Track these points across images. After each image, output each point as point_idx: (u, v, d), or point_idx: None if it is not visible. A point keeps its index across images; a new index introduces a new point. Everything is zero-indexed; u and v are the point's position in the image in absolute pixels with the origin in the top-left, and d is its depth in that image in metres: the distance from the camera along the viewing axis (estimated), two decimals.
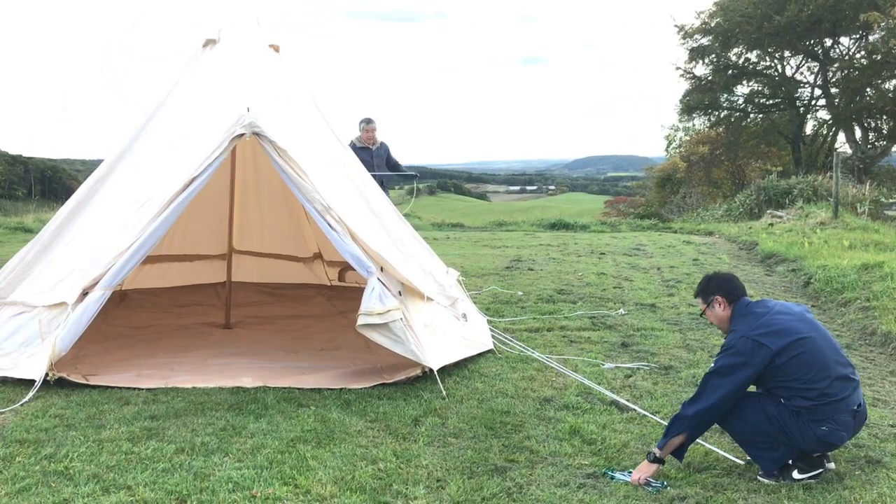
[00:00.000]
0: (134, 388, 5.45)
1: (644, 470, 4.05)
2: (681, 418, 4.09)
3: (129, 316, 7.83)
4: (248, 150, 7.59)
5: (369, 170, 9.62)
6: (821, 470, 4.08)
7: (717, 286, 4.39)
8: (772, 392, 4.12)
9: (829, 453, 4.21)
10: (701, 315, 4.55)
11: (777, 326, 4.07)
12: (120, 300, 8.19)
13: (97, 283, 5.57)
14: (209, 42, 6.87)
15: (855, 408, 4.08)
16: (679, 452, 4.15)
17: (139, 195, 5.98)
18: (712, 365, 4.14)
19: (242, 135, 5.79)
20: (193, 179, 5.75)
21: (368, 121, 10.28)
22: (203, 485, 3.90)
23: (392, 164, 10.50)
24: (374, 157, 10.15)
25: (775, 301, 4.42)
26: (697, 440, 4.32)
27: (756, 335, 4.03)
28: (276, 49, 7.16)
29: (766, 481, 4.03)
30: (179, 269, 8.97)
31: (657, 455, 4.08)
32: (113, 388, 5.45)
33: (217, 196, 7.92)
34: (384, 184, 9.86)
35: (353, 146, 9.64)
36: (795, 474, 4.04)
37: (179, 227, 8.08)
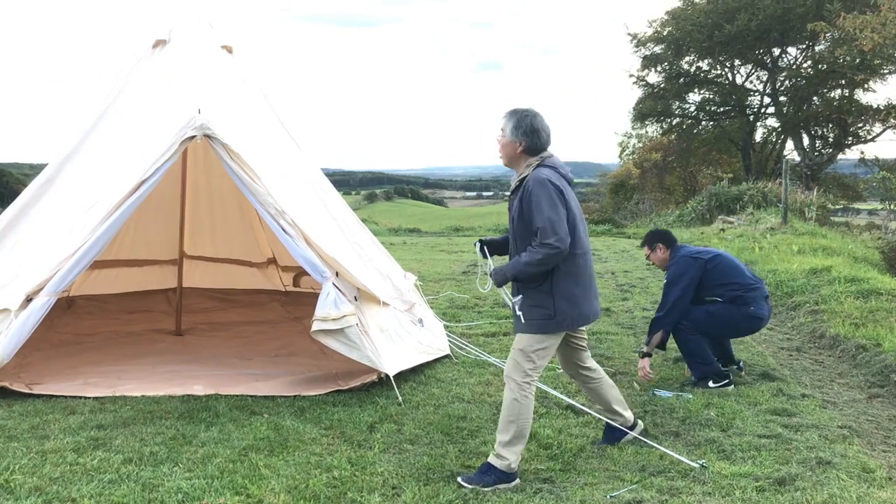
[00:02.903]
0: (80, 397, 5.30)
1: (643, 364, 5.83)
2: (656, 321, 5.90)
3: (76, 323, 7.63)
4: (199, 152, 7.46)
5: None
6: (729, 381, 5.78)
7: (659, 237, 6.22)
8: (713, 297, 5.92)
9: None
10: (647, 258, 6.32)
11: (701, 250, 6.14)
12: (67, 306, 7.98)
13: (42, 288, 5.39)
14: (159, 43, 6.72)
15: (765, 296, 6.05)
16: (662, 345, 5.96)
17: (86, 198, 5.82)
18: (666, 279, 5.96)
19: (193, 137, 5.66)
20: (143, 182, 5.61)
21: None
22: (151, 496, 3.79)
23: None
24: None
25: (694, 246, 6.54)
26: (653, 444, 4.53)
27: (689, 254, 6.01)
28: (230, 50, 7.05)
29: (691, 385, 5.79)
30: (129, 274, 8.77)
31: (644, 350, 5.88)
32: (58, 397, 5.29)
33: (168, 200, 7.77)
34: None
35: None
36: (710, 384, 5.75)
37: (129, 231, 7.92)
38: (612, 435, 4.64)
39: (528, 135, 4.15)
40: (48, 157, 6.71)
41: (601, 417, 4.72)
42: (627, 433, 4.62)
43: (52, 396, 5.28)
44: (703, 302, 5.95)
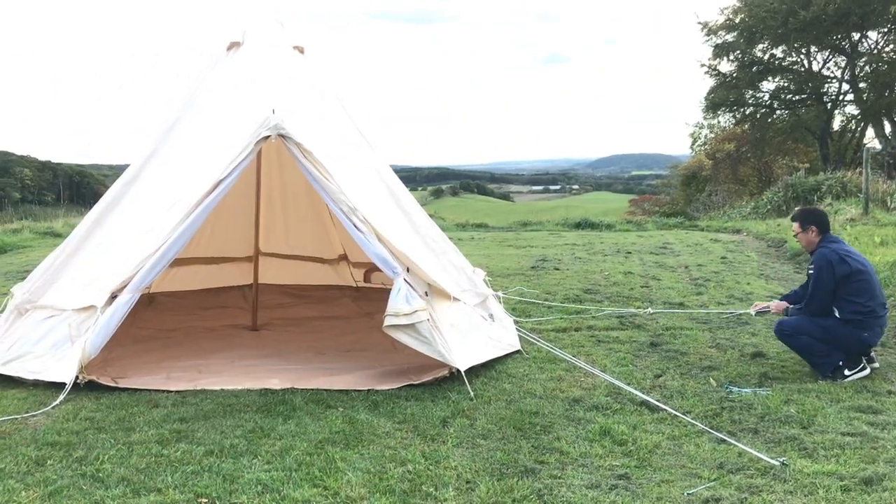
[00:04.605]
0: (163, 391, 5.47)
1: (776, 307, 6.21)
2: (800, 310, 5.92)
3: (157, 318, 7.88)
4: (273, 152, 7.60)
5: None
6: (865, 368, 5.70)
7: (815, 219, 5.94)
8: (835, 306, 5.68)
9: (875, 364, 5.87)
10: (795, 236, 6.07)
11: (852, 252, 5.80)
12: (148, 303, 8.25)
13: (126, 286, 5.61)
14: (233, 45, 6.89)
15: (883, 325, 5.89)
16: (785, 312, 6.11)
17: (166, 198, 6.01)
18: (811, 271, 5.78)
19: (268, 137, 5.79)
20: (220, 182, 5.77)
21: None
22: (232, 487, 3.90)
23: None
24: None
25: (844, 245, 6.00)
26: (732, 441, 4.49)
27: (844, 254, 5.70)
28: (301, 50, 7.17)
29: (823, 382, 5.53)
30: (207, 271, 9.01)
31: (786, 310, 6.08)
32: (142, 390, 5.48)
33: (243, 198, 7.95)
34: None
35: None
36: (846, 372, 5.64)
37: (206, 229, 8.12)
38: None
39: None
40: (127, 158, 6.97)
41: (677, 414, 4.63)
42: None
43: (136, 390, 5.48)
44: None
